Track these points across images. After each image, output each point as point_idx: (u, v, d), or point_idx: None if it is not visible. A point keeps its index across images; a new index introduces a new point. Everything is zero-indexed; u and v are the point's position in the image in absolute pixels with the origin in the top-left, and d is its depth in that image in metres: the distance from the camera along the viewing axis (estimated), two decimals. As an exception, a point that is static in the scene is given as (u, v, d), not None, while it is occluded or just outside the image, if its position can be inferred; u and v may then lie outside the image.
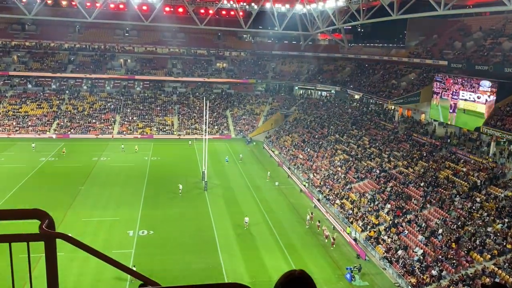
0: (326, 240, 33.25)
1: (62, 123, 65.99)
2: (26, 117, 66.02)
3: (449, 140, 42.05)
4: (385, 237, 32.12)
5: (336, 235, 33.71)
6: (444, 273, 26.43)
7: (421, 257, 28.48)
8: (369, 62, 69.97)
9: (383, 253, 30.50)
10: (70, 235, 2.03)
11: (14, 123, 64.25)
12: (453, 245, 28.16)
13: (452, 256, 27.34)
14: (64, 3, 74.25)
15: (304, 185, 45.27)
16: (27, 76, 73.43)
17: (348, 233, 33.95)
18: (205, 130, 49.75)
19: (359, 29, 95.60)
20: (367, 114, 58.31)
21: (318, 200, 41.35)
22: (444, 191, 34.42)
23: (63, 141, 60.76)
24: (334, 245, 32.36)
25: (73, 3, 70.54)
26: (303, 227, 35.67)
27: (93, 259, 2.13)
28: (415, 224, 32.28)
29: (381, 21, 56.13)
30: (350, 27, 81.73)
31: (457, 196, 33.04)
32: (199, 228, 34.26)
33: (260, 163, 55.21)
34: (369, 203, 37.38)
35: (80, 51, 79.05)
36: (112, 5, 74.80)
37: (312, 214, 37.16)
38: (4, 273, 2.18)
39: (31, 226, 2.14)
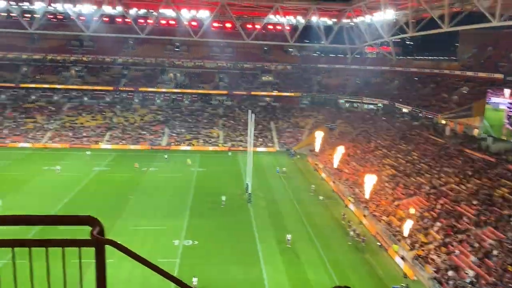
0: (352, 233, 35.39)
1: (114, 134, 68.87)
2: (81, 128, 69.51)
3: (505, 157, 39.91)
4: (435, 257, 30.80)
5: (364, 236, 35.32)
6: (498, 297, 24.95)
7: (474, 279, 27.03)
8: (419, 75, 68.14)
9: (432, 273, 29.24)
10: (119, 242, 2.16)
11: (71, 134, 67.80)
12: (510, 268, 26.54)
13: (508, 280, 25.76)
14: (119, 20, 78.01)
15: (350, 200, 44.41)
16: (83, 89, 77.51)
17: (395, 251, 32.88)
18: (250, 142, 50.13)
19: (408, 42, 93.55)
20: (416, 128, 56.57)
21: (364, 216, 40.40)
22: (500, 211, 32.61)
23: (115, 151, 63.33)
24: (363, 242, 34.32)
25: (127, 20, 73.99)
26: (348, 243, 34.95)
27: (140, 266, 2.21)
28: (467, 244, 30.75)
29: (431, 34, 54.60)
30: (398, 40, 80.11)
31: (514, 216, 31.21)
32: (242, 240, 34.42)
33: (304, 176, 54.84)
34: (418, 221, 36.04)
35: (133, 66, 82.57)
36: (163, 22, 77.70)
37: (344, 215, 38.93)
38: (56, 277, 2.35)
39: (83, 232, 2.27)
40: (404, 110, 64.94)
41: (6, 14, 74.31)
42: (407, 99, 63.84)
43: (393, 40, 72.31)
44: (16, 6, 69.79)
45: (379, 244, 35.16)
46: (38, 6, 68.95)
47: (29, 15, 74.75)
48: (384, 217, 38.82)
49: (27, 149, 62.92)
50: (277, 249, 33.22)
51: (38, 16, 70.46)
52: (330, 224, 39.23)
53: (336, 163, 53.64)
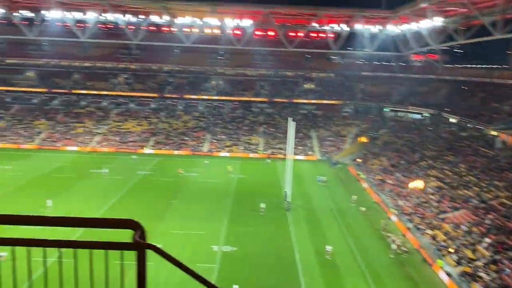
0: (394, 246, 34.40)
1: (158, 140, 70.70)
2: (127, 133, 71.90)
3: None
4: (483, 274, 29.28)
5: (407, 245, 35.24)
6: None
7: (526, 301, 25.47)
8: (468, 85, 65.56)
9: (480, 292, 27.80)
10: (160, 246, 2.20)
11: (117, 138, 70.25)
12: None
13: None
14: (165, 29, 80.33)
15: (393, 212, 43.16)
16: (130, 96, 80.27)
17: (440, 267, 31.56)
18: (290, 150, 49.91)
19: (456, 50, 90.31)
20: (464, 139, 54.31)
21: (408, 228, 39.11)
22: (556, 228, 30.63)
23: (158, 156, 64.97)
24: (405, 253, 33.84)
25: (173, 29, 76.07)
26: (390, 256, 33.93)
27: (179, 270, 2.24)
28: (519, 263, 29.05)
29: (482, 41, 52.44)
30: (446, 48, 77.51)
31: None
32: (280, 249, 34.19)
33: (345, 186, 53.92)
34: (464, 236, 34.48)
35: (178, 74, 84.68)
36: (207, 30, 79.26)
37: (386, 226, 38.63)
38: (99, 278, 2.42)
39: (125, 234, 2.33)
40: (452, 120, 62.57)
41: (60, 23, 78.34)
42: (455, 109, 61.52)
43: (440, 48, 70.04)
44: (71, 16, 73.43)
45: (423, 258, 33.89)
46: (90, 16, 72.28)
47: (81, 25, 78.43)
48: (428, 231, 37.42)
49: (76, 152, 65.79)
50: (316, 259, 32.73)
51: (90, 25, 73.78)
52: (372, 236, 38.25)
53: (379, 173, 52.36)
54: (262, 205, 42.37)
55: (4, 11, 71.26)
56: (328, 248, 32.95)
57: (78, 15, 73.59)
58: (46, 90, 79.41)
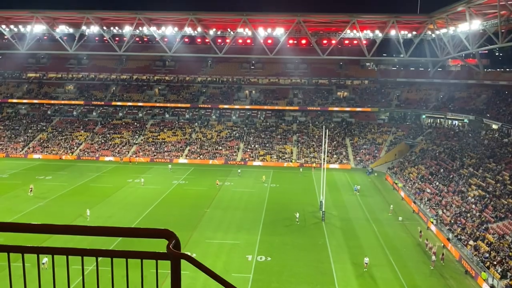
0: (434, 257, 33.12)
1: (193, 149, 71.64)
2: (163, 143, 73.27)
3: None
4: (531, 289, 27.71)
5: (444, 251, 34.80)
6: None
7: None
8: (510, 89, 62.94)
9: (529, 307, 26.29)
10: (194, 255, 2.15)
11: (153, 149, 71.71)
12: None
13: None
14: (198, 40, 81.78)
15: (432, 222, 41.72)
16: (165, 107, 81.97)
17: (484, 279, 30.13)
18: (324, 159, 49.33)
19: (497, 53, 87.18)
20: (507, 146, 52.02)
21: (448, 239, 37.66)
22: None
23: (193, 165, 65.78)
24: (443, 261, 33.31)
25: (207, 40, 77.36)
26: (429, 268, 32.72)
27: (214, 281, 2.21)
28: None
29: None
30: (486, 51, 74.92)
31: None
32: (316, 259, 33.62)
33: (381, 195, 52.66)
34: (510, 247, 32.81)
35: (211, 84, 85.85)
36: (240, 41, 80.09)
37: (421, 233, 38.35)
38: (134, 286, 2.41)
39: (161, 242, 2.32)
40: (493, 126, 60.13)
41: (98, 38, 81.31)
42: (496, 115, 59.13)
43: (480, 51, 67.75)
44: (108, 31, 76.10)
45: (465, 270, 32.48)
46: (126, 30, 74.63)
47: (118, 39, 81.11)
48: (470, 242, 35.88)
49: (113, 162, 67.56)
50: (352, 270, 31.96)
51: (126, 39, 76.14)
52: (410, 247, 37.03)
53: (416, 182, 50.84)
54: (297, 215, 41.95)
55: (45, 27, 74.65)
56: (366, 259, 32.09)
57: (115, 29, 76.27)
58: (85, 102, 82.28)
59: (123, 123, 79.58)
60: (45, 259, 18.31)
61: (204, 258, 30.78)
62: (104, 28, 75.90)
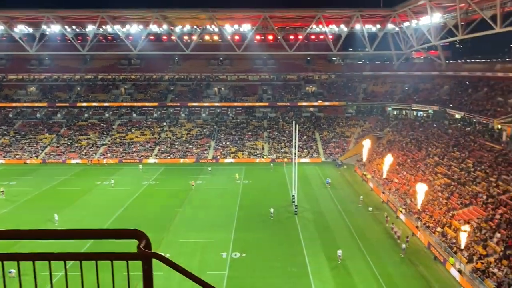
0: (404, 245, 34.41)
1: (162, 149, 70.74)
2: (131, 143, 71.98)
3: None
4: (495, 270, 28.92)
5: (409, 235, 36.72)
6: None
7: (542, 295, 25.08)
8: (471, 79, 65.27)
9: (494, 287, 27.46)
10: (167, 255, 2.10)
11: (121, 149, 70.36)
12: None
13: None
14: (164, 38, 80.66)
15: (401, 211, 42.85)
16: (132, 106, 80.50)
17: (452, 264, 31.22)
18: (295, 153, 49.77)
19: (457, 45, 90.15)
20: (470, 134, 53.96)
21: (417, 227, 38.78)
22: None
23: (163, 165, 64.99)
24: (408, 243, 34.84)
25: (173, 37, 76.37)
26: (399, 256, 33.61)
27: (189, 280, 2.17)
28: (532, 257, 28.66)
29: (483, 36, 52.21)
30: (447, 43, 77.29)
31: None
32: (290, 253, 33.95)
33: (351, 187, 53.65)
34: (475, 232, 34.11)
35: (179, 82, 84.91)
36: (207, 37, 79.52)
37: (387, 218, 40.49)
38: None
39: (134, 245, 2.27)
40: (456, 116, 62.21)
41: (60, 37, 78.86)
42: (459, 105, 61.18)
43: (441, 44, 69.85)
44: (70, 30, 73.89)
45: (434, 256, 33.56)
46: (89, 28, 72.71)
47: (81, 38, 78.98)
48: (438, 228, 37.09)
49: (80, 165, 65.91)
50: (326, 262, 32.45)
51: (90, 38, 74.20)
52: (381, 236, 37.93)
53: (385, 173, 52.07)
54: (271, 210, 42.16)
55: (3, 27, 71.78)
56: (339, 252, 32.55)
57: (78, 28, 74.19)
58: (49, 104, 79.76)
59: (89, 124, 77.68)
60: (13, 270, 17.57)
61: (178, 258, 30.51)
62: (66, 27, 73.65)
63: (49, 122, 78.53)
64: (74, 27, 74.43)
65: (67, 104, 79.77)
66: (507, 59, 67.26)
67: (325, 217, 42.29)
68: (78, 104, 79.73)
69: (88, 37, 75.20)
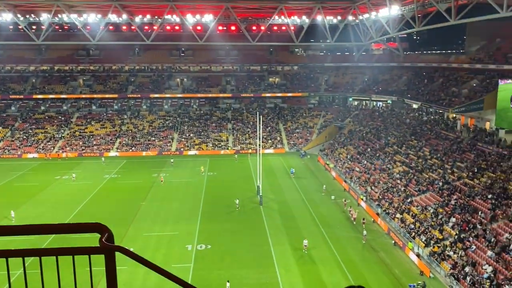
0: (355, 223, 38.16)
1: (124, 142, 69.23)
2: (91, 136, 70.00)
3: (518, 149, 39.31)
4: (451, 253, 30.39)
5: (364, 217, 38.82)
6: (519, 292, 24.47)
7: (492, 275, 26.59)
8: (427, 70, 67.60)
9: (449, 269, 28.84)
10: (132, 249, 2.09)
11: (81, 143, 68.31)
12: (528, 262, 26.06)
13: (527, 274, 25.28)
14: (124, 27, 78.51)
15: (362, 199, 44.07)
16: (91, 98, 78.14)
17: (410, 249, 32.50)
18: (259, 144, 50.06)
19: (415, 37, 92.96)
20: (426, 123, 56.02)
21: (377, 214, 40.05)
22: (515, 204, 32.08)
23: (125, 158, 63.69)
24: (364, 225, 37.14)
25: (133, 27, 74.45)
26: (361, 242, 34.64)
27: (154, 273, 2.17)
28: (483, 239, 30.29)
29: (438, 28, 54.08)
30: (405, 35, 79.56)
31: (531, 209, 30.67)
32: (255, 243, 34.27)
33: (315, 176, 54.58)
34: (432, 217, 35.63)
35: (140, 73, 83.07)
36: (168, 27, 78.05)
37: (345, 201, 42.83)
38: (68, 286, 2.30)
39: (93, 241, 2.23)
40: (414, 105, 64.40)
41: (13, 26, 75.18)
42: (416, 95, 63.29)
43: (399, 35, 71.76)
44: (23, 19, 70.53)
45: (394, 242, 34.81)
46: (44, 17, 69.64)
47: (35, 27, 75.60)
48: (397, 215, 38.45)
49: (38, 159, 63.54)
50: (291, 251, 33.01)
51: (45, 27, 71.13)
52: (343, 224, 38.92)
53: (346, 162, 53.29)
54: (236, 201, 42.31)
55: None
56: (305, 242, 32.91)
57: (31, 17, 70.87)
58: (2, 96, 76.09)
59: (46, 117, 74.84)
60: None
61: (143, 252, 30.14)
62: (19, 15, 70.23)
63: (2, 115, 74.99)
64: (27, 15, 71.05)
65: (22, 96, 76.44)
66: (461, 51, 69.99)
67: (290, 207, 42.90)
68: (34, 96, 76.55)
69: (42, 26, 72.04)
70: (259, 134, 51.25)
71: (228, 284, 26.90)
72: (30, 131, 70.77)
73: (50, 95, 76.89)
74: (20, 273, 2.13)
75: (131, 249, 2.12)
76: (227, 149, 68.33)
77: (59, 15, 70.16)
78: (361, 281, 27.94)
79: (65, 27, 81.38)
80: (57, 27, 77.83)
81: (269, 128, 73.19)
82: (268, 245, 33.89)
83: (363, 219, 38.24)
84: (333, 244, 34.05)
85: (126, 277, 25.58)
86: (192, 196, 45.96)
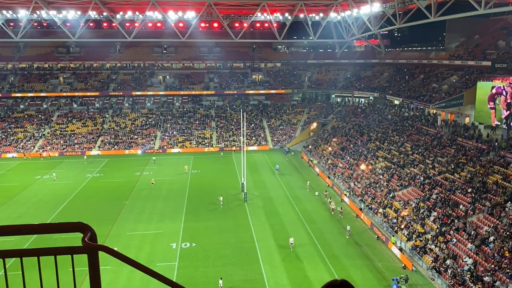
0: (333, 213, 40.02)
1: (106, 140, 68.38)
2: (72, 135, 68.94)
3: (496, 144, 40.21)
4: (432, 246, 30.95)
5: (341, 207, 40.71)
6: (498, 283, 25.08)
7: (472, 267, 27.19)
8: (408, 67, 68.50)
9: (431, 262, 29.38)
10: (115, 249, 2.07)
11: (62, 142, 67.21)
12: (507, 253, 26.72)
13: (506, 266, 25.93)
14: (105, 24, 77.37)
15: (346, 195, 44.50)
16: (72, 96, 76.90)
17: (393, 243, 32.98)
18: (243, 141, 50.07)
19: (396, 34, 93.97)
20: (408, 119, 56.81)
21: (361, 209, 40.50)
22: (494, 197, 32.85)
23: (107, 157, 62.94)
24: (342, 214, 39.47)
25: (114, 24, 73.41)
26: (345, 237, 35.00)
27: (138, 272, 2.16)
28: (463, 232, 30.94)
29: (419, 24, 54.82)
30: (386, 32, 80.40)
31: (509, 202, 31.43)
32: (240, 240, 34.32)
33: (299, 173, 54.85)
34: (414, 211, 36.21)
35: (121, 70, 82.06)
36: (150, 24, 77.24)
37: (326, 192, 44.95)
38: (51, 287, 2.26)
39: (76, 241, 2.20)
40: (395, 102, 65.21)
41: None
42: (397, 91, 64.11)
43: (381, 32, 72.49)
44: (0, 15, 68.89)
45: (377, 236, 35.26)
46: (22, 14, 68.15)
47: (13, 24, 73.91)
48: (380, 210, 38.95)
49: (17, 159, 62.32)
50: (276, 247, 33.14)
51: (23, 24, 69.61)
52: (327, 219, 39.25)
53: (330, 158, 53.69)
54: (220, 198, 42.27)
55: None
56: (291, 240, 32.83)
57: (8, 13, 69.23)
58: (-21, 95, 74.32)
59: (26, 116, 73.39)
60: None
61: (127, 251, 29.89)
62: (-5, 12, 68.52)
63: (-20, 114, 73.28)
64: (4, 12, 69.40)
65: (0, 95, 74.73)
66: (441, 47, 71.10)
67: (274, 203, 43.03)
68: (13, 94, 74.96)
69: (20, 23, 70.48)
70: (243, 131, 51.24)
71: (221, 281, 26.86)
72: (9, 130, 69.32)
73: (29, 93, 75.42)
74: (1, 275, 2.09)
75: (115, 248, 2.09)
76: (211, 146, 68.12)
77: (38, 12, 68.74)
78: (345, 275, 28.24)
79: (44, 24, 79.82)
80: (35, 24, 76.28)
81: (252, 125, 73.21)
82: (253, 242, 33.96)
83: (341, 208, 40.25)
84: (317, 240, 34.32)
85: (110, 277, 25.32)
86: (176, 194, 45.72)
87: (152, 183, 48.56)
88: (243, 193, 44.26)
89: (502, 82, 39.74)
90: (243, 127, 50.74)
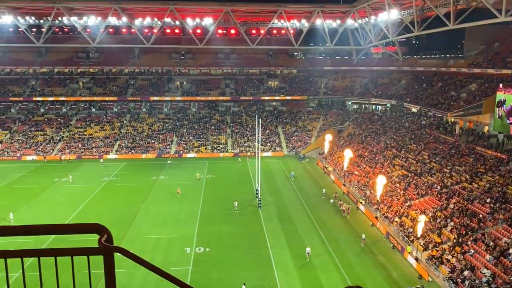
0: (344, 214, 41.16)
1: (123, 144, 69.21)
2: (90, 139, 69.99)
3: (517, 153, 39.36)
4: (449, 257, 30.38)
5: (350, 207, 42.17)
6: (517, 296, 24.46)
7: (491, 279, 26.58)
8: (426, 74, 67.74)
9: (448, 273, 28.83)
10: (131, 251, 2.11)
11: (80, 145, 68.28)
12: (527, 266, 26.05)
13: (525, 278, 25.28)
14: (124, 30, 78.69)
15: (361, 202, 44.08)
16: (91, 100, 78.17)
17: (409, 252, 32.50)
18: (258, 147, 50.08)
19: (414, 41, 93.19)
20: (425, 127, 56.10)
21: (376, 217, 40.05)
22: (514, 208, 32.11)
23: (124, 161, 63.68)
24: (349, 214, 40.94)
25: (132, 30, 74.59)
26: (360, 246, 34.62)
27: (153, 275, 2.18)
28: (482, 243, 30.29)
29: (437, 32, 54.26)
30: (404, 39, 79.73)
31: (529, 213, 30.69)
32: (254, 246, 34.24)
33: (314, 180, 54.58)
34: (430, 221, 35.63)
35: (139, 75, 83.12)
36: (168, 30, 78.20)
37: (336, 194, 45.42)
38: (67, 287, 2.30)
39: (92, 243, 2.24)
40: (413, 109, 64.49)
41: (13, 29, 75.29)
42: (415, 99, 63.42)
43: (398, 39, 71.96)
44: (23, 21, 70.65)
45: (392, 245, 34.80)
46: (44, 20, 69.77)
47: (35, 29, 75.69)
48: (396, 218, 38.45)
49: (37, 161, 63.49)
50: (290, 254, 32.97)
51: (45, 30, 71.23)
52: (342, 227, 38.91)
53: (345, 165, 53.31)
54: (235, 204, 42.30)
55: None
56: (308, 249, 32.26)
57: (31, 19, 70.98)
58: (1, 98, 76.08)
59: (46, 120, 74.84)
60: None
61: (141, 254, 29.49)
62: (19, 18, 70.34)
63: (2, 117, 74.98)
64: (27, 18, 71.18)
65: (21, 99, 76.40)
66: (460, 55, 70.21)
67: (288, 210, 42.87)
68: (34, 98, 76.54)
69: (43, 29, 72.16)
70: (258, 137, 51.24)
71: (244, 287, 26.84)
72: (30, 133, 70.75)
73: (49, 97, 76.88)
74: (19, 275, 2.14)
75: (130, 251, 2.13)
76: (226, 152, 68.35)
77: (59, 18, 70.37)
78: (360, 284, 27.75)
79: (65, 29, 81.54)
80: (57, 29, 77.99)
81: (268, 131, 73.24)
82: (266, 248, 33.86)
83: (348, 208, 41.55)
84: (332, 247, 34.03)
85: (125, 279, 25.53)
86: (191, 199, 45.92)
87: (178, 193, 47.08)
88: (257, 199, 44.22)
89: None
90: (258, 133, 50.75)
